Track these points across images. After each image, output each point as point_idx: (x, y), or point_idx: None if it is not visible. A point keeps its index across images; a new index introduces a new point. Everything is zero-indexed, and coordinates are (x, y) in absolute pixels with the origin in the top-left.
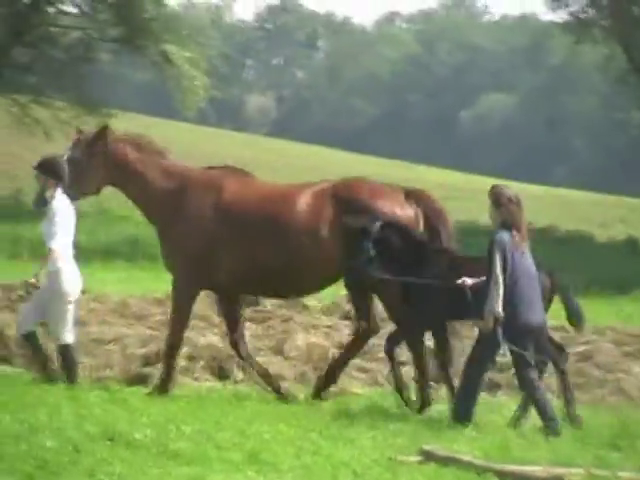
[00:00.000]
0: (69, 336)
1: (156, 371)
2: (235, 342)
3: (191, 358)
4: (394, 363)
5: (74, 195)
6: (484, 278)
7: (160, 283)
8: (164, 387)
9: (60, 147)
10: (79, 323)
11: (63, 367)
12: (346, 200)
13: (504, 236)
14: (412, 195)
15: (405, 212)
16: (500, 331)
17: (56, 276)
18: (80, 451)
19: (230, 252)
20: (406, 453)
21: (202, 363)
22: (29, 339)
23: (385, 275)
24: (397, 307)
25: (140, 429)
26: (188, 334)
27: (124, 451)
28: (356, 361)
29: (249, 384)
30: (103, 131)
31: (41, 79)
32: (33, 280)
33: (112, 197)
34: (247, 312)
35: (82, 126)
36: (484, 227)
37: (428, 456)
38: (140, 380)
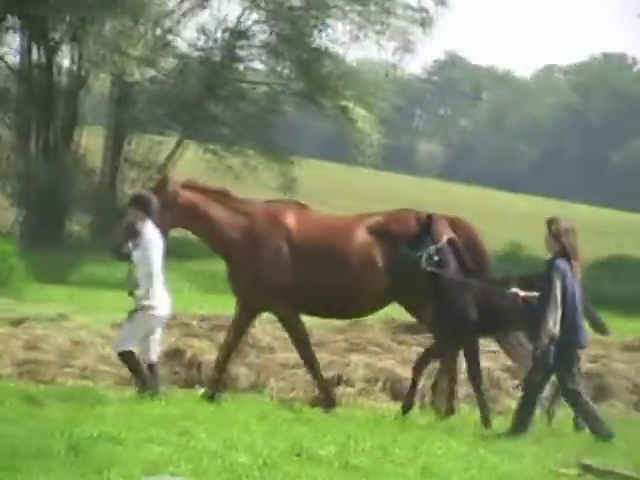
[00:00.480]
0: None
1: (337, 392)
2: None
3: (369, 380)
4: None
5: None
6: (535, 293)
7: None
8: (329, 402)
9: (250, 190)
10: (268, 349)
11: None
12: (396, 230)
13: (563, 264)
14: (455, 223)
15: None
16: (552, 350)
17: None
18: (269, 466)
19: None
20: (566, 466)
21: (379, 385)
22: (126, 357)
23: (441, 271)
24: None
25: (324, 446)
26: (368, 359)
27: (309, 466)
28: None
29: (421, 405)
30: (164, 179)
31: (232, 129)
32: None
33: None
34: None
35: (269, 172)
36: (637, 260)
37: (587, 469)
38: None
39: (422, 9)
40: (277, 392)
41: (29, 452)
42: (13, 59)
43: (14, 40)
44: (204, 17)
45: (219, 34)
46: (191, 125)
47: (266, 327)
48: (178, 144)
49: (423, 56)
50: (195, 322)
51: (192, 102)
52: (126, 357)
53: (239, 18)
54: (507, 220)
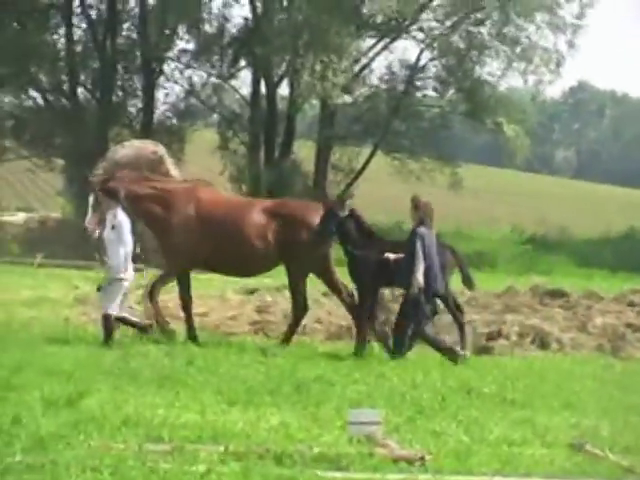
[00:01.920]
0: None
1: (496, 345)
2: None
3: (521, 335)
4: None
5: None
6: (402, 255)
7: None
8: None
9: (425, 189)
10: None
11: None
12: (282, 214)
13: (422, 230)
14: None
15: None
16: (422, 295)
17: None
18: (446, 400)
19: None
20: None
21: (529, 339)
22: (108, 318)
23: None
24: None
25: (486, 385)
26: (520, 318)
27: (476, 400)
28: None
29: (564, 352)
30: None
31: (412, 142)
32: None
33: None
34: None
35: (441, 175)
36: None
37: (579, 449)
38: (485, 351)
39: (557, 51)
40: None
41: (263, 390)
42: (245, 91)
43: (246, 76)
44: (390, 56)
45: (401, 69)
46: (381, 139)
47: None
48: (371, 154)
49: (559, 83)
50: None
51: (381, 121)
52: (108, 318)
53: (417, 57)
54: (628, 210)
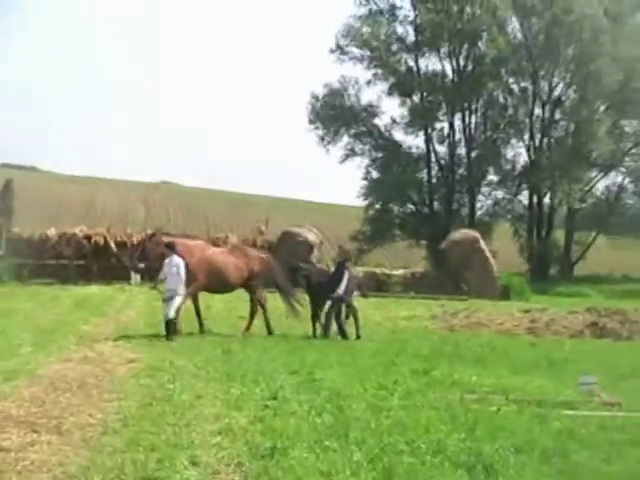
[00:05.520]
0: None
1: None
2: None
3: None
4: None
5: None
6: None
7: None
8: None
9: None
10: None
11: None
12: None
13: (348, 264)
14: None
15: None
16: (342, 301)
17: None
18: None
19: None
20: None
21: None
22: (174, 322)
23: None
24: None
25: None
26: None
27: None
28: None
29: None
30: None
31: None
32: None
33: None
34: None
35: None
36: None
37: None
38: None
39: None
40: None
41: (534, 366)
42: (525, 201)
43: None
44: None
45: (612, 187)
46: (602, 228)
47: None
48: (595, 237)
49: None
50: None
51: (602, 218)
52: (171, 321)
53: (621, 181)
54: None
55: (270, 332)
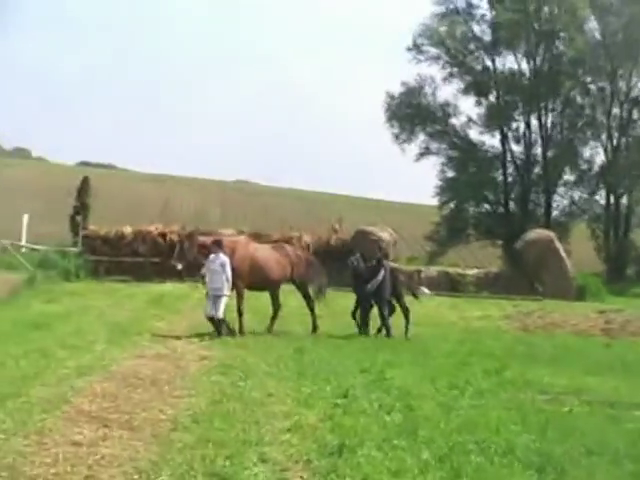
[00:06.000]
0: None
1: None
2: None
3: None
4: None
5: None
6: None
7: None
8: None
9: None
10: None
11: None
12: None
13: (385, 262)
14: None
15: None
16: (379, 299)
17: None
18: None
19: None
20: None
21: None
22: (222, 321)
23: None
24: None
25: None
26: None
27: None
28: None
29: None
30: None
31: None
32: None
33: None
34: None
35: None
36: None
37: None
38: None
39: None
40: None
41: (604, 368)
42: (602, 201)
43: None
44: None
45: None
46: None
47: None
48: None
49: None
50: None
51: None
52: (221, 321)
53: None
54: None
55: (315, 329)
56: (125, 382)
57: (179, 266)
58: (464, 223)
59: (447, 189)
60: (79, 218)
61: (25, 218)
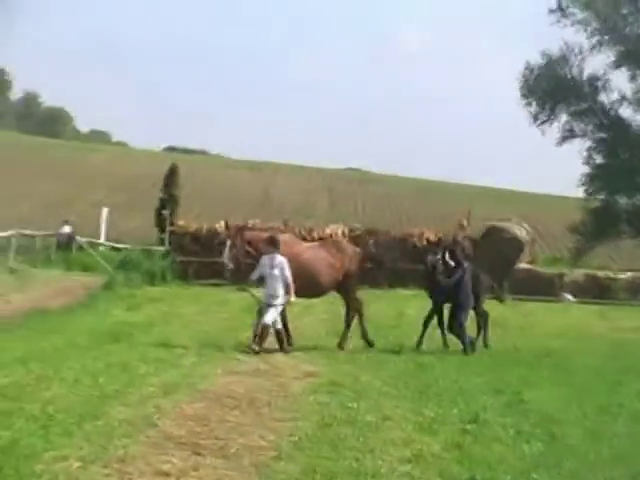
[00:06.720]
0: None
1: None
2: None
3: None
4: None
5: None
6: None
7: None
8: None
9: None
10: None
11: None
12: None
13: (466, 264)
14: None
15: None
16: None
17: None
18: None
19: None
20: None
21: None
22: (279, 330)
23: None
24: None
25: None
26: None
27: None
28: None
29: None
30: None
31: None
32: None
33: None
34: None
35: None
36: None
37: None
38: None
39: None
40: None
41: None
42: None
43: None
44: None
45: None
46: None
47: None
48: None
49: None
50: None
51: None
52: (279, 331)
53: None
54: None
55: (370, 344)
56: (218, 402)
57: (230, 265)
58: (615, 217)
59: (595, 177)
60: (166, 212)
61: (104, 212)
